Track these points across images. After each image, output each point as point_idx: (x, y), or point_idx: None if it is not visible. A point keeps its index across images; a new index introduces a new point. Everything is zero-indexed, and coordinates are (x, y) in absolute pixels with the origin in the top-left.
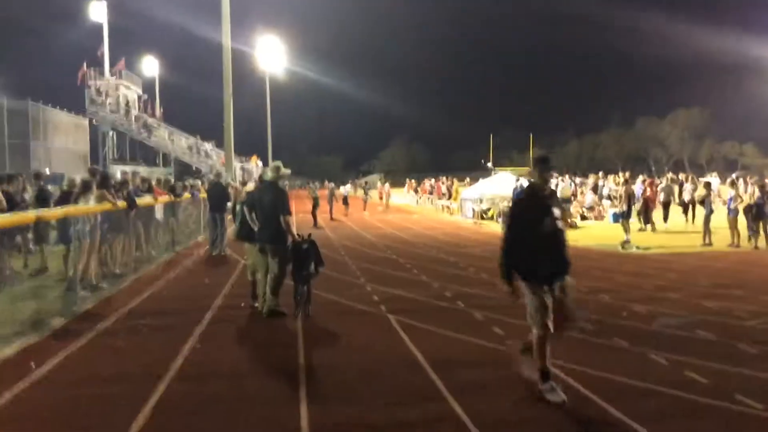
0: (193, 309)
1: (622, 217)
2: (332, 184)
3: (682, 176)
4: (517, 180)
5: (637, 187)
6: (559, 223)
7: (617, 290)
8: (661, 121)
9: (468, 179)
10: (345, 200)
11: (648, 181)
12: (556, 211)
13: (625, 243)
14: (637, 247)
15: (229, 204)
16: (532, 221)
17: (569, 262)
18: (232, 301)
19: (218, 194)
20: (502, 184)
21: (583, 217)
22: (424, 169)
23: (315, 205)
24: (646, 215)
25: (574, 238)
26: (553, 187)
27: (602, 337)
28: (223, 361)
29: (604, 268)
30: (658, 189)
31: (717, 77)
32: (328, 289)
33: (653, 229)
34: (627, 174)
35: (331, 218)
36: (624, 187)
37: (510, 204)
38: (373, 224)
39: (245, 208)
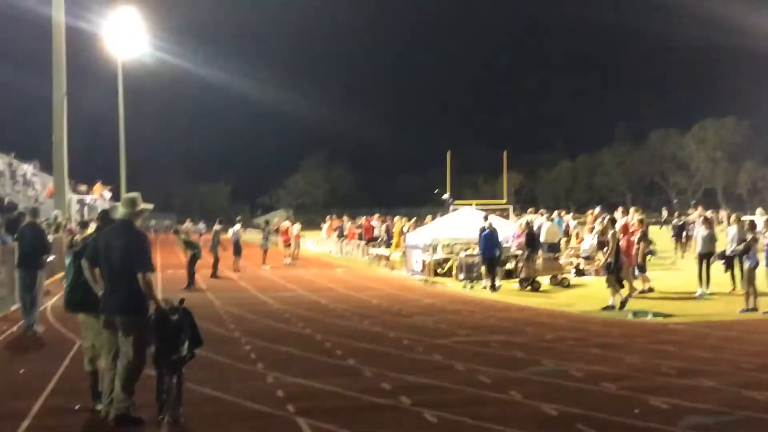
0: (2, 415)
1: (608, 271)
2: (218, 225)
3: (715, 213)
4: (486, 219)
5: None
6: None
7: (627, 376)
8: (683, 135)
9: (414, 219)
10: (236, 248)
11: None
12: None
13: (620, 305)
14: (655, 314)
15: (49, 257)
16: None
17: None
18: (61, 402)
19: (31, 241)
20: (464, 225)
21: (580, 272)
22: (351, 203)
23: (194, 257)
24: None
25: (566, 301)
26: (535, 227)
27: None
28: None
29: (608, 345)
30: (692, 234)
31: (758, 77)
32: (209, 380)
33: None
34: (614, 211)
35: (214, 275)
36: (610, 230)
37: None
38: (277, 283)
39: (83, 262)
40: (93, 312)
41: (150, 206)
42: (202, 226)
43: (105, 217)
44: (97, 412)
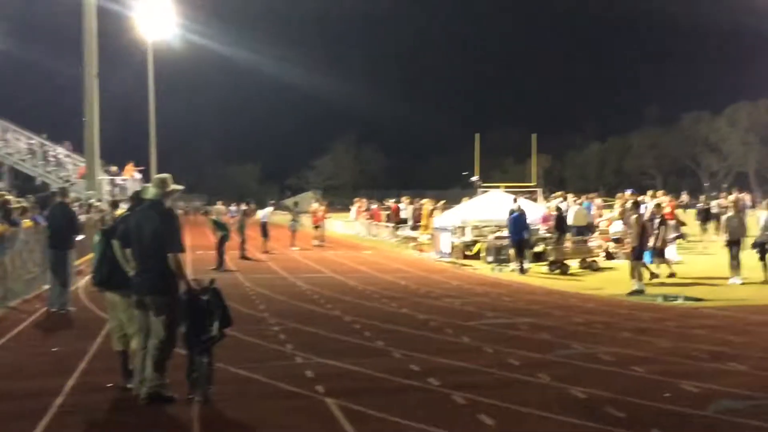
0: (35, 393)
1: (635, 258)
2: (245, 206)
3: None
4: (515, 200)
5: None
6: None
7: (657, 360)
8: (716, 118)
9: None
10: (264, 230)
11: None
12: None
13: (636, 292)
14: (686, 299)
15: (79, 237)
16: None
17: None
18: (93, 380)
19: (61, 221)
20: (492, 207)
21: (609, 256)
22: (379, 184)
23: (223, 239)
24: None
25: (595, 284)
26: (561, 209)
27: (635, 428)
28: None
29: (637, 329)
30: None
31: None
32: (238, 360)
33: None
34: (639, 194)
35: (243, 256)
36: (634, 215)
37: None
38: (306, 265)
39: (114, 242)
40: (119, 290)
41: (180, 187)
42: (234, 208)
43: (138, 197)
44: (129, 390)
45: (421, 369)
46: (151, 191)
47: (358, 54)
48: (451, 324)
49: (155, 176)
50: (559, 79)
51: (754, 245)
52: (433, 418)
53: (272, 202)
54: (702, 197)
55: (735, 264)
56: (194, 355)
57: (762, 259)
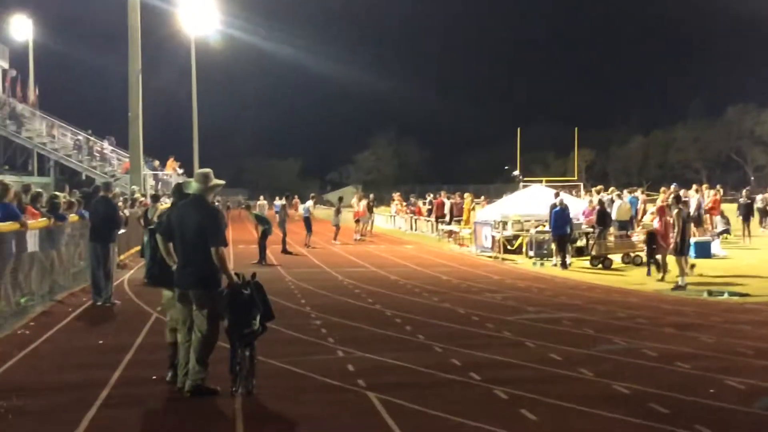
0: (81, 384)
1: (677, 253)
2: (286, 200)
3: None
4: (557, 195)
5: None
6: None
7: (701, 356)
8: (762, 110)
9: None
10: (307, 224)
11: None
12: None
13: (678, 287)
14: (731, 294)
15: (121, 230)
16: None
17: None
18: (138, 373)
19: (104, 214)
20: (533, 201)
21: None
22: (420, 179)
23: (265, 233)
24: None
25: (638, 279)
26: (603, 203)
27: (679, 423)
28: None
29: (681, 324)
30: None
31: None
32: (280, 354)
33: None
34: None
35: (284, 250)
36: (675, 209)
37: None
38: (348, 259)
39: (158, 236)
40: (170, 286)
41: (222, 182)
42: (278, 202)
43: (179, 191)
44: (173, 383)
45: (463, 363)
46: (193, 186)
47: (398, 49)
48: (492, 318)
49: (197, 171)
50: (602, 72)
51: None
52: (475, 413)
53: (313, 196)
54: (744, 191)
55: None
56: (237, 349)
57: None
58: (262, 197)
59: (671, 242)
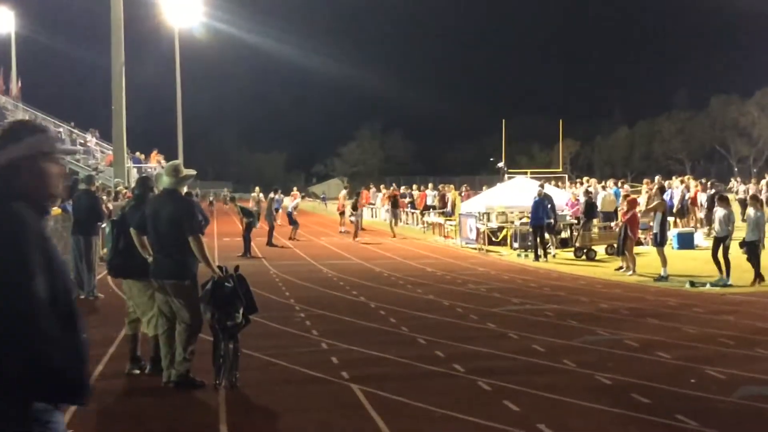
0: None
1: (658, 244)
2: (273, 194)
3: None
4: (540, 186)
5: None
6: None
7: (682, 346)
8: (745, 102)
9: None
10: (291, 218)
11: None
12: None
13: (661, 278)
14: (713, 285)
15: (104, 224)
16: None
17: None
18: (121, 366)
19: (86, 207)
20: (518, 193)
21: (636, 241)
22: (405, 171)
23: (249, 225)
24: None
25: (622, 271)
26: (591, 195)
27: (660, 413)
28: None
29: (664, 315)
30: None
31: None
32: (264, 346)
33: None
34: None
35: (270, 243)
36: (657, 198)
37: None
38: (333, 252)
39: (132, 230)
40: (134, 277)
41: (193, 172)
42: (275, 196)
43: (144, 184)
44: (150, 376)
45: (446, 355)
46: (164, 179)
47: (383, 42)
48: (476, 310)
49: (167, 164)
50: (587, 64)
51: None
52: (458, 404)
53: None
54: (709, 183)
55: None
56: (220, 342)
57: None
58: (257, 189)
59: (638, 234)
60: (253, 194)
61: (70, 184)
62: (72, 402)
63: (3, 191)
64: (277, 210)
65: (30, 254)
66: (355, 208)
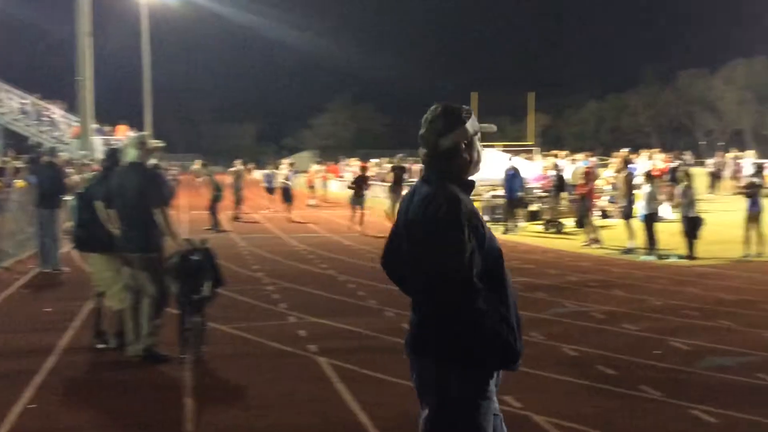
0: (28, 351)
1: (625, 217)
2: (243, 166)
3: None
4: (510, 159)
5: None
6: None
7: (648, 317)
8: (712, 76)
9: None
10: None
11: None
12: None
13: (628, 250)
14: (680, 257)
15: (66, 196)
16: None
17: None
18: (85, 340)
19: (50, 180)
20: (489, 166)
21: (605, 214)
22: (377, 143)
23: (215, 198)
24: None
25: None
26: (560, 169)
27: (625, 384)
28: (71, 429)
29: (631, 286)
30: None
31: None
32: (231, 320)
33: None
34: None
35: (236, 217)
36: (623, 173)
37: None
38: (302, 226)
39: (97, 203)
40: (99, 251)
41: (160, 143)
42: (268, 172)
43: (112, 156)
44: (118, 350)
45: None
46: (131, 152)
47: (353, 12)
48: None
49: (133, 136)
50: (557, 37)
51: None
52: None
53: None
54: (673, 155)
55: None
56: (186, 315)
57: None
58: (240, 161)
59: (595, 205)
60: (235, 169)
61: (36, 156)
62: (507, 367)
63: (444, 172)
64: (270, 187)
65: (464, 232)
66: (360, 186)
